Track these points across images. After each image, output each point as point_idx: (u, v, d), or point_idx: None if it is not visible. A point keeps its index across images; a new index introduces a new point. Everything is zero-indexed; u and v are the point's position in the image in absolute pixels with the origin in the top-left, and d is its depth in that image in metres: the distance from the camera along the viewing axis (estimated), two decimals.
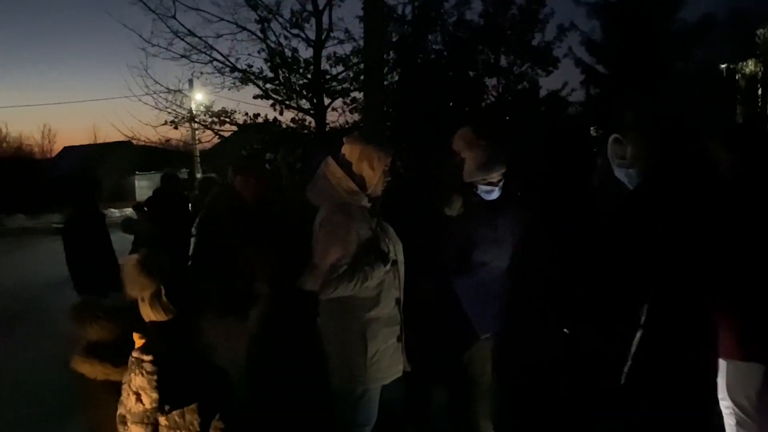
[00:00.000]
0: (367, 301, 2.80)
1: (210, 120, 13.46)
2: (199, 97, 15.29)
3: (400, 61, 13.65)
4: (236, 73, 13.01)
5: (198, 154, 18.16)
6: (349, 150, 2.90)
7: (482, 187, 3.13)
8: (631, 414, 2.20)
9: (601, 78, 16.78)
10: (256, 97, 13.30)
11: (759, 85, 17.08)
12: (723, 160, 2.69)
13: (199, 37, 12.75)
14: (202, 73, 13.18)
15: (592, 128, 17.28)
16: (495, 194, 3.14)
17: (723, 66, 17.96)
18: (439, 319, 3.10)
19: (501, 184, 3.12)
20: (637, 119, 2.78)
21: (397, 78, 13.89)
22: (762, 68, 16.90)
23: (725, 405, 2.77)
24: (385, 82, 12.69)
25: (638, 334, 2.27)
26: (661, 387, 2.24)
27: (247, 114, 13.42)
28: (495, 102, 15.68)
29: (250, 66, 13.12)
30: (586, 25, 17.47)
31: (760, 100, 16.96)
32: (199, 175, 16.55)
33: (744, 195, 2.63)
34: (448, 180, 3.15)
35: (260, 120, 13.32)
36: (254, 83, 13.11)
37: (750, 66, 17.54)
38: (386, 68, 12.79)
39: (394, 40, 13.63)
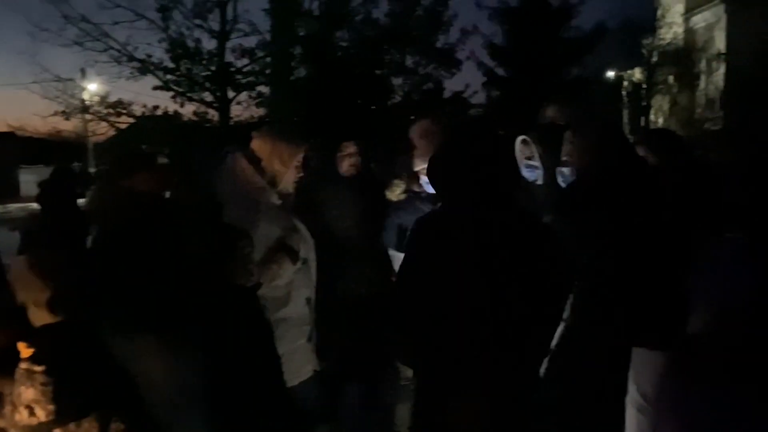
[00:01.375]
0: (276, 301, 2.74)
1: (105, 111, 12.79)
2: (93, 87, 14.47)
3: (308, 56, 13.54)
4: (134, 63, 12.45)
5: (92, 147, 17.19)
6: (258, 145, 2.81)
7: (423, 178, 3.17)
8: (549, 407, 2.28)
9: (502, 81, 17.42)
10: (155, 88, 12.80)
11: (643, 93, 18.35)
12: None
13: (94, 24, 12.10)
14: (96, 61, 12.53)
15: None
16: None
17: (612, 73, 19.14)
18: (367, 313, 3.08)
19: None
20: (570, 120, 2.92)
21: (304, 73, 13.77)
22: (646, 76, 18.16)
23: (631, 395, 2.92)
24: (293, 77, 12.55)
25: (560, 328, 2.37)
26: (579, 379, 2.33)
27: (145, 106, 12.87)
28: (401, 101, 15.90)
29: (150, 56, 12.59)
30: (488, 29, 18.07)
31: (644, 105, 18.23)
32: (92, 170, 15.66)
33: (662, 193, 2.80)
34: (398, 167, 3.24)
35: (160, 112, 12.81)
36: (154, 74, 12.59)
37: (636, 74, 18.81)
38: (293, 63, 12.65)
39: (301, 34, 13.50)
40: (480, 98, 17.70)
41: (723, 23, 20.56)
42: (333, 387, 3.55)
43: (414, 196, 3.28)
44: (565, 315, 2.37)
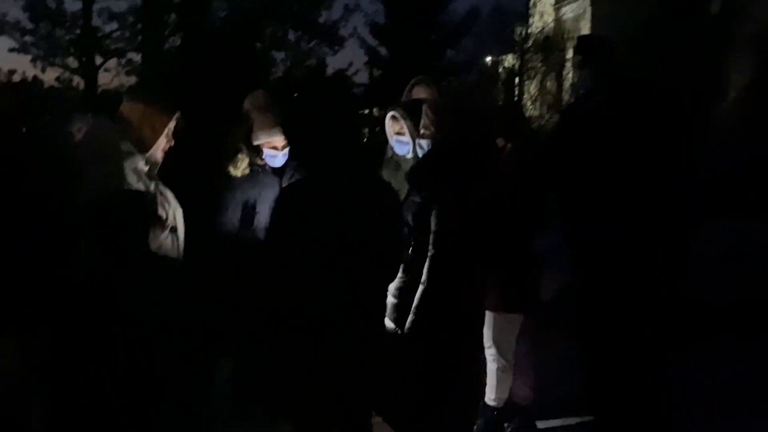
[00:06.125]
0: None
1: None
2: None
3: (183, 24, 12.91)
4: None
5: None
6: (128, 108, 2.69)
7: (267, 152, 3.14)
8: (411, 362, 2.43)
9: (384, 60, 17.58)
10: (11, 50, 11.72)
11: (516, 77, 19.29)
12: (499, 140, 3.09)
13: None
14: None
15: (375, 109, 18.14)
16: (279, 160, 3.16)
17: (489, 59, 19.95)
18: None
19: (286, 150, 3.15)
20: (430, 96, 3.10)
21: (179, 42, 13.14)
22: (519, 62, 19.09)
23: (490, 353, 3.15)
24: (166, 46, 11.98)
25: (421, 289, 2.53)
26: (437, 337, 2.51)
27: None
28: (283, 76, 15.64)
29: (4, 15, 11.49)
30: (370, 7, 18.12)
31: (517, 90, 19.18)
32: None
33: (512, 167, 3.03)
34: (236, 141, 3.15)
35: (17, 78, 11.77)
36: (9, 35, 11.52)
37: (509, 60, 19.72)
38: (167, 31, 12.04)
39: (176, 1, 12.83)
40: (363, 77, 17.84)
41: (588, 15, 22.03)
42: None
43: (259, 170, 3.22)
44: (423, 278, 2.53)
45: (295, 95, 3.38)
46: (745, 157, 8.29)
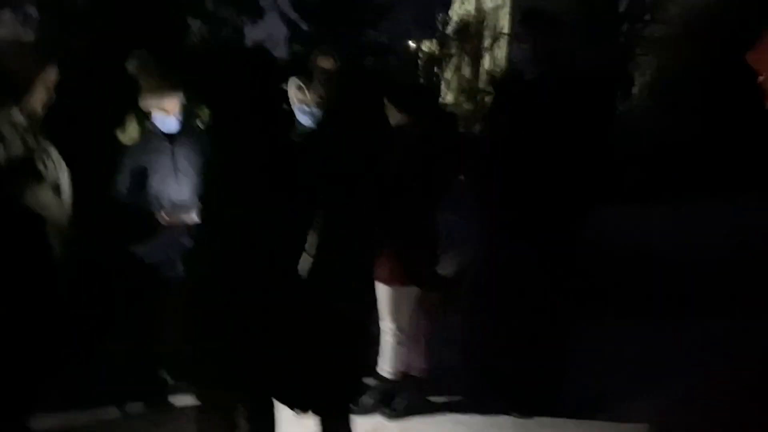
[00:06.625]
0: None
1: None
2: None
3: None
4: None
5: None
6: (2, 54, 2.57)
7: (156, 115, 3.03)
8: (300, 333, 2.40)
9: (305, 35, 17.33)
10: None
11: (435, 62, 19.53)
12: (397, 118, 3.09)
13: None
14: None
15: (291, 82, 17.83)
16: (170, 124, 3.05)
17: (411, 42, 20.09)
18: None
19: (178, 115, 3.04)
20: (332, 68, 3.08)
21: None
22: (439, 48, 19.33)
23: (385, 325, 3.17)
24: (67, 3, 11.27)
25: (307, 260, 2.50)
26: (327, 308, 2.48)
27: None
28: (199, 44, 15.10)
29: None
30: None
31: (436, 74, 19.44)
32: None
33: (415, 144, 3.06)
34: (125, 105, 3.02)
35: None
36: None
37: (429, 45, 19.94)
38: None
39: None
40: (282, 52, 17.48)
41: (508, 5, 22.58)
42: None
43: (149, 135, 3.11)
44: (311, 249, 2.51)
45: (214, 62, 3.29)
46: (641, 154, 8.99)
